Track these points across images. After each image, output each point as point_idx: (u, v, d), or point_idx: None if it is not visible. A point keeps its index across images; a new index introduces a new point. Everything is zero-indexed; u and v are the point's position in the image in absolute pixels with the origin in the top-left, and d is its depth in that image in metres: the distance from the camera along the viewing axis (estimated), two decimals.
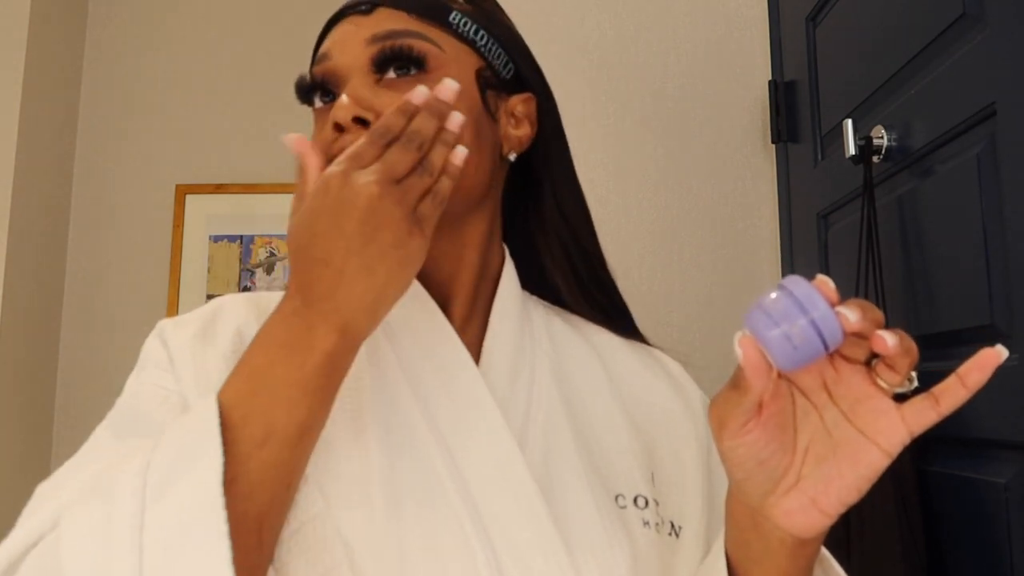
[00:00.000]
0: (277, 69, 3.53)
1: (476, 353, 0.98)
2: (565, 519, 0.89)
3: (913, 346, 0.72)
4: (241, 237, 3.46)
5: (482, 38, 1.03)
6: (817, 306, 0.66)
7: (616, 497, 0.95)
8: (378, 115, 0.91)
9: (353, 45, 0.97)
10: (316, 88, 1.00)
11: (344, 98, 0.92)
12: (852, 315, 0.68)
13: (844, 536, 1.44)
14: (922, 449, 1.44)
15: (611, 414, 1.03)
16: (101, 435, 0.89)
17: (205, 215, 3.48)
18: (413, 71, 0.95)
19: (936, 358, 1.46)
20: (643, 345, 1.16)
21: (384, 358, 0.95)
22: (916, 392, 0.73)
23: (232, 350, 0.94)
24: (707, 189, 2.25)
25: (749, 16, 2.33)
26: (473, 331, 1.01)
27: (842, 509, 0.73)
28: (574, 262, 1.11)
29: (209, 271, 3.44)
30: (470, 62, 1.01)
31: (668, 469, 1.02)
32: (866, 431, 0.73)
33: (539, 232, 1.11)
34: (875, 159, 1.59)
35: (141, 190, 3.52)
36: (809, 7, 2.05)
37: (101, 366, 3.37)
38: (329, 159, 0.87)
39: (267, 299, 1.01)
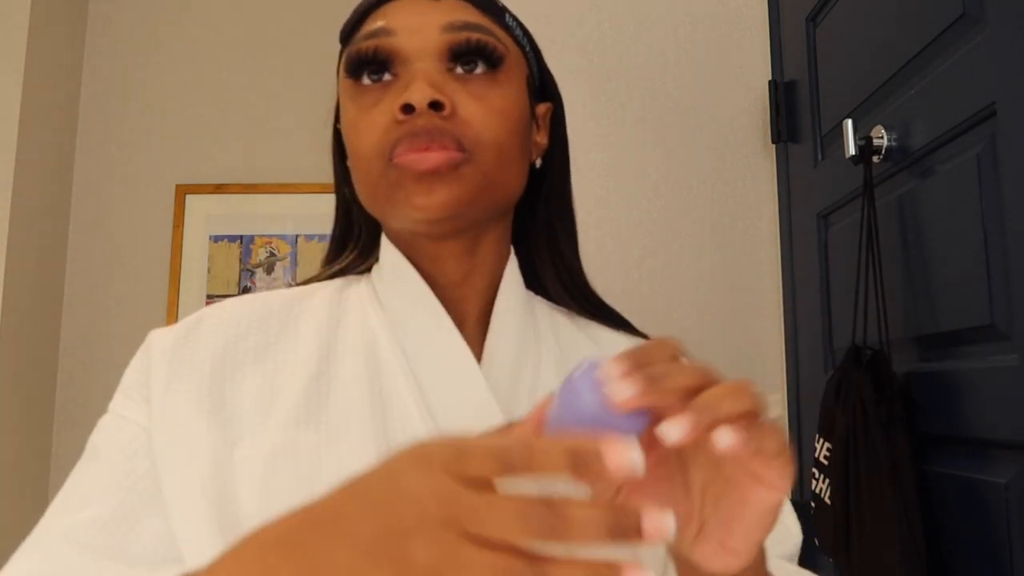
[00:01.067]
0: (278, 68, 3.53)
1: (479, 350, 0.97)
2: None
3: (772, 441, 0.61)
4: (241, 237, 3.46)
5: (527, 43, 1.05)
6: (588, 412, 0.60)
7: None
8: (452, 105, 0.90)
9: (426, 29, 0.94)
10: (369, 63, 0.95)
11: (423, 84, 0.89)
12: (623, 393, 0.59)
13: (844, 536, 1.44)
14: (922, 449, 1.44)
15: None
16: (51, 514, 0.87)
17: (205, 215, 3.48)
18: (480, 68, 0.95)
19: (936, 359, 1.46)
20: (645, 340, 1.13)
21: (384, 357, 0.94)
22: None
23: (210, 370, 0.91)
24: (707, 189, 2.25)
25: (749, 16, 2.33)
26: (477, 328, 1.00)
27: (755, 548, 0.66)
28: (559, 270, 1.11)
29: (209, 271, 3.44)
30: (522, 67, 1.02)
31: None
32: (752, 468, 0.63)
33: (531, 233, 1.11)
34: (875, 159, 1.59)
35: (141, 190, 3.52)
36: (809, 7, 2.04)
37: (101, 367, 3.37)
38: (387, 144, 0.90)
39: (262, 302, 1.00)
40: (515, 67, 0.99)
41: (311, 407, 0.89)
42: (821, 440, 1.55)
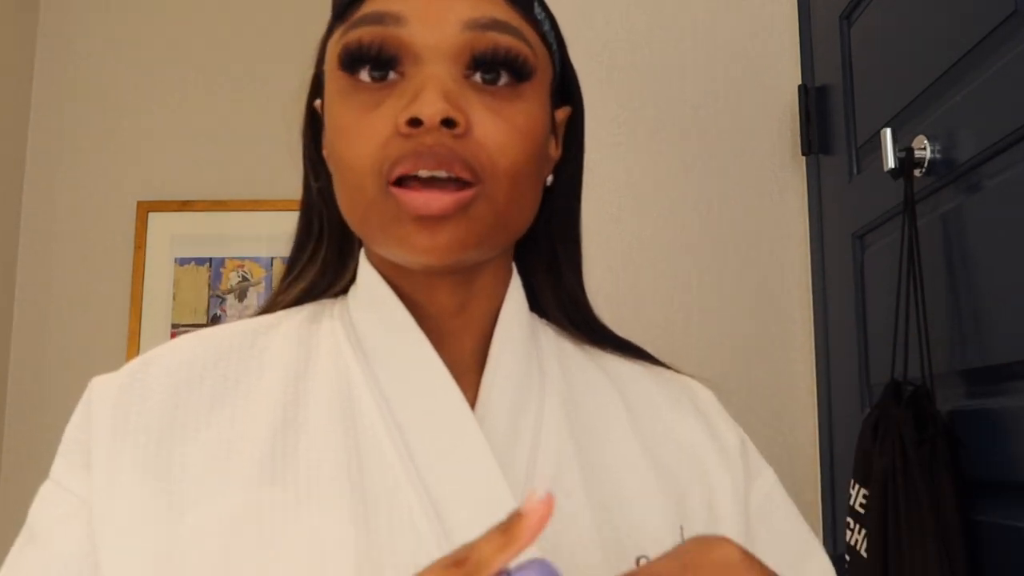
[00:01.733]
0: (248, 75, 3.54)
1: (474, 391, 0.93)
2: None
3: None
4: (210, 260, 3.47)
5: (555, 39, 0.99)
6: None
7: (638, 560, 0.88)
8: (467, 122, 0.85)
9: (444, 22, 0.87)
10: (371, 59, 0.88)
11: (435, 95, 0.83)
12: None
13: None
14: (968, 495, 1.44)
15: (632, 456, 0.97)
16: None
17: (170, 235, 3.48)
18: (504, 80, 0.89)
19: (985, 395, 1.46)
20: (667, 371, 1.12)
21: (361, 402, 0.90)
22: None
23: (159, 426, 0.87)
24: (730, 206, 2.25)
25: (777, 14, 2.34)
26: (472, 364, 0.95)
27: None
28: (561, 298, 1.08)
29: (175, 297, 3.45)
30: (548, 72, 0.96)
31: (699, 521, 0.96)
32: None
33: (531, 254, 1.07)
34: (917, 173, 1.59)
35: (98, 207, 3.52)
36: (843, 4, 2.05)
37: (53, 406, 3.34)
38: (385, 160, 0.84)
39: (219, 338, 0.96)
40: (542, 76, 0.93)
41: (276, 463, 0.85)
42: (857, 486, 1.55)
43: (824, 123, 2.19)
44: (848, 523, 1.57)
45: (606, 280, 2.18)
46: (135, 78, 3.61)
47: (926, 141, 1.59)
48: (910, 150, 1.59)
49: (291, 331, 0.97)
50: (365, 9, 0.89)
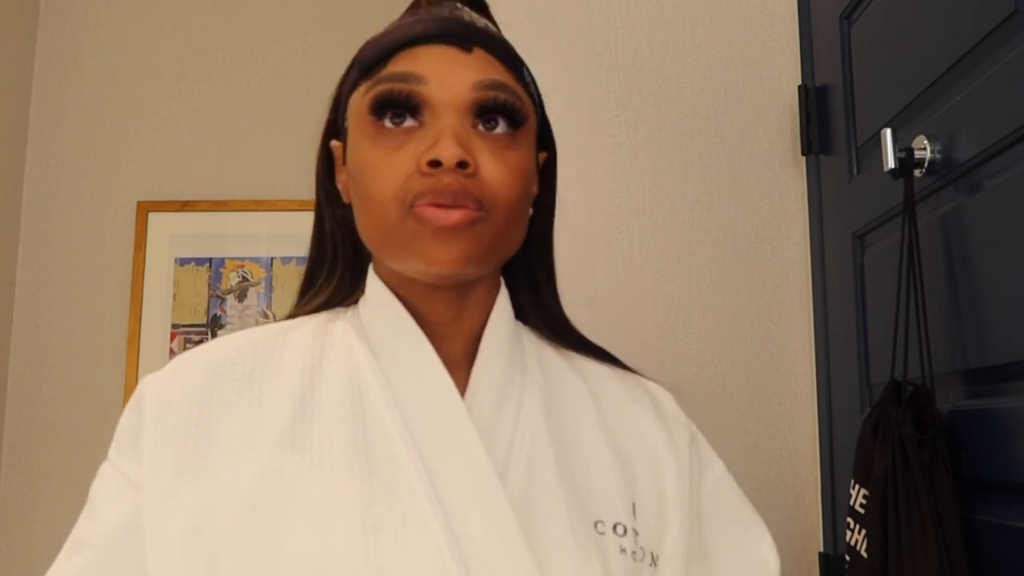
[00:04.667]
0: (249, 77, 3.54)
1: (464, 381, 1.13)
2: (541, 545, 1.02)
3: None
4: (210, 260, 3.46)
5: (537, 96, 1.20)
6: None
7: (595, 523, 1.08)
8: (475, 164, 1.03)
9: (457, 83, 1.07)
10: (397, 107, 1.07)
11: (453, 142, 1.02)
12: None
13: None
14: (968, 495, 1.44)
15: (596, 443, 1.16)
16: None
17: (170, 235, 3.48)
18: (501, 128, 1.08)
19: (986, 395, 1.46)
20: (631, 374, 1.31)
21: (368, 386, 1.10)
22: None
23: (198, 411, 1.07)
24: (729, 207, 2.25)
25: (776, 13, 2.34)
26: (463, 360, 1.15)
27: None
28: (542, 313, 1.28)
29: (175, 298, 3.44)
30: (534, 123, 1.16)
31: (649, 500, 1.15)
32: None
33: (516, 274, 1.27)
34: (917, 173, 1.59)
35: (98, 207, 3.52)
36: (843, 4, 2.06)
37: (52, 406, 3.35)
38: (408, 193, 1.02)
39: (248, 334, 1.17)
40: (530, 125, 1.14)
41: (295, 434, 1.04)
42: (857, 487, 1.55)
43: (824, 123, 2.19)
44: (848, 523, 1.57)
45: (607, 282, 2.18)
46: (135, 78, 3.61)
47: (926, 141, 1.59)
48: (910, 150, 1.59)
49: (309, 331, 1.17)
50: (391, 68, 1.08)
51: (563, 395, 1.19)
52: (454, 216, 1.01)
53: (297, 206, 3.35)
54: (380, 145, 1.07)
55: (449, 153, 1.01)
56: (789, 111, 2.29)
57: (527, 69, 1.18)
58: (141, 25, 3.64)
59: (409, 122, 1.07)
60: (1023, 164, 1.35)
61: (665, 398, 1.29)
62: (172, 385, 1.09)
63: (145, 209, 3.48)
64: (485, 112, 1.07)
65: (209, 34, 3.61)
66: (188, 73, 3.59)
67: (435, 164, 1.01)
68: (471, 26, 1.11)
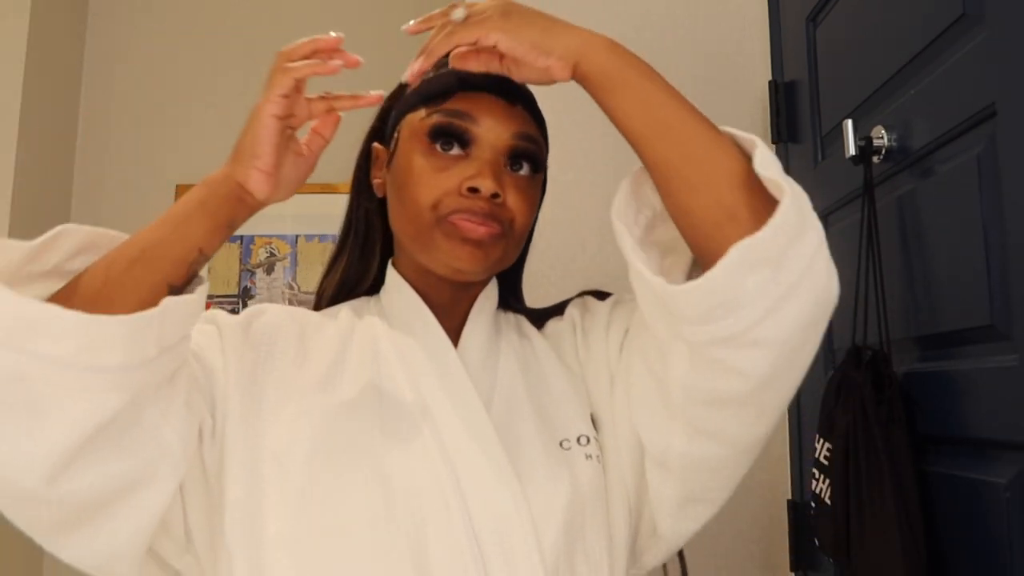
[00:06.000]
0: None
1: (457, 341, 1.28)
2: (519, 460, 1.15)
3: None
4: (241, 237, 3.46)
5: (546, 144, 1.33)
6: None
7: (561, 442, 1.20)
8: (505, 197, 1.21)
9: (501, 130, 1.22)
10: (451, 136, 1.21)
11: (491, 178, 1.18)
12: None
13: (844, 537, 1.44)
14: (922, 449, 1.44)
15: (558, 375, 1.28)
16: None
17: None
18: (525, 170, 1.25)
19: (937, 358, 1.47)
20: (577, 300, 1.41)
21: (384, 350, 1.24)
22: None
23: (267, 350, 1.22)
24: None
25: (749, 16, 2.34)
26: (457, 329, 1.29)
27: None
28: (516, 308, 1.43)
29: (209, 271, 3.43)
30: (545, 167, 1.32)
31: (600, 393, 1.26)
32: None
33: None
34: (875, 159, 1.59)
35: (141, 189, 3.52)
36: (809, 7, 2.05)
37: None
38: (447, 207, 1.19)
39: (305, 312, 1.33)
40: (544, 169, 1.31)
41: (329, 382, 1.19)
42: (821, 440, 1.55)
43: (792, 114, 2.18)
44: (813, 473, 1.57)
45: (596, 255, 2.18)
46: (174, 73, 3.62)
47: (884, 131, 1.59)
48: (869, 139, 1.59)
49: (345, 315, 1.31)
50: (452, 105, 1.22)
51: (531, 348, 1.33)
52: (482, 230, 1.18)
53: (320, 189, 3.32)
54: (430, 162, 1.21)
55: (487, 185, 1.17)
56: (761, 104, 2.28)
57: (544, 123, 1.32)
58: (182, 22, 3.64)
59: (456, 150, 1.21)
60: (971, 151, 1.35)
61: (594, 299, 1.37)
62: (249, 325, 1.24)
63: (183, 191, 3.46)
64: (517, 157, 1.24)
65: (242, 30, 3.61)
66: (222, 69, 3.59)
67: (474, 191, 1.17)
68: (516, 85, 1.23)
